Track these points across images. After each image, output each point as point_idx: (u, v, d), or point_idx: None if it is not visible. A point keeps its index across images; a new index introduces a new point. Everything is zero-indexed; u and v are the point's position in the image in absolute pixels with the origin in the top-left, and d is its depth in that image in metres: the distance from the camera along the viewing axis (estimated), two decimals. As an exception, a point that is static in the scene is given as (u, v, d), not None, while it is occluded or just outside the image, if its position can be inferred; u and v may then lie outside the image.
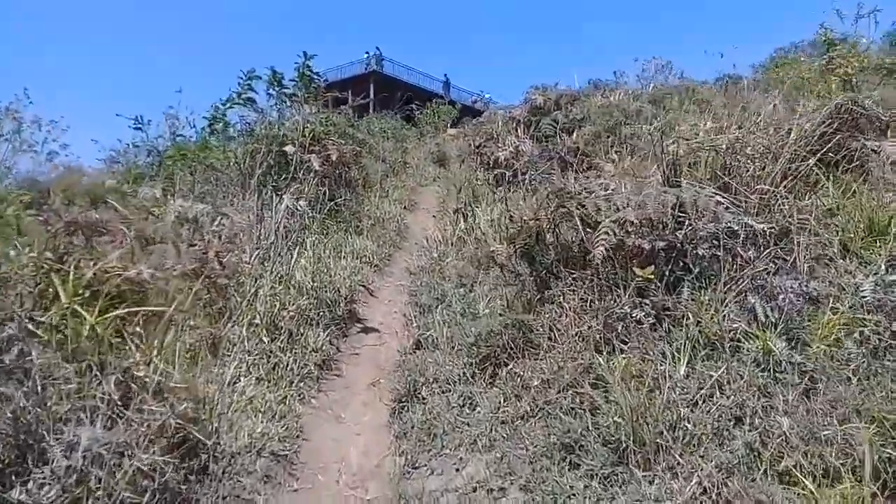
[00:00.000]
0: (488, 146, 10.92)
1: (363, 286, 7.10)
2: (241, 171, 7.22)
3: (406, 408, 4.46)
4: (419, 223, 10.63)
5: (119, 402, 2.99)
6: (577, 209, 4.38)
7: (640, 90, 12.29)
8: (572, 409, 3.65)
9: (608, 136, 8.09)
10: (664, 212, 3.93)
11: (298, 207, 6.95)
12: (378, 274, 7.76)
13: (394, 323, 6.30)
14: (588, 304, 4.14)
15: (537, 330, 4.31)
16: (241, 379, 4.41)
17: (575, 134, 8.82)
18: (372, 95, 30.29)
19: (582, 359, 3.86)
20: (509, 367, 4.22)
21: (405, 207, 11.19)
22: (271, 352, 4.80)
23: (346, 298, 6.31)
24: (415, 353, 5.27)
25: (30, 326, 3.02)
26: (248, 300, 5.09)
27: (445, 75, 36.29)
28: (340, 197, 8.73)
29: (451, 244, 7.58)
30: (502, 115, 12.59)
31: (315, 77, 7.74)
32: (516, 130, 11.10)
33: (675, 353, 3.63)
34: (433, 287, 6.49)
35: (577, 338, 4.01)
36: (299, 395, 4.62)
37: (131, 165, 8.90)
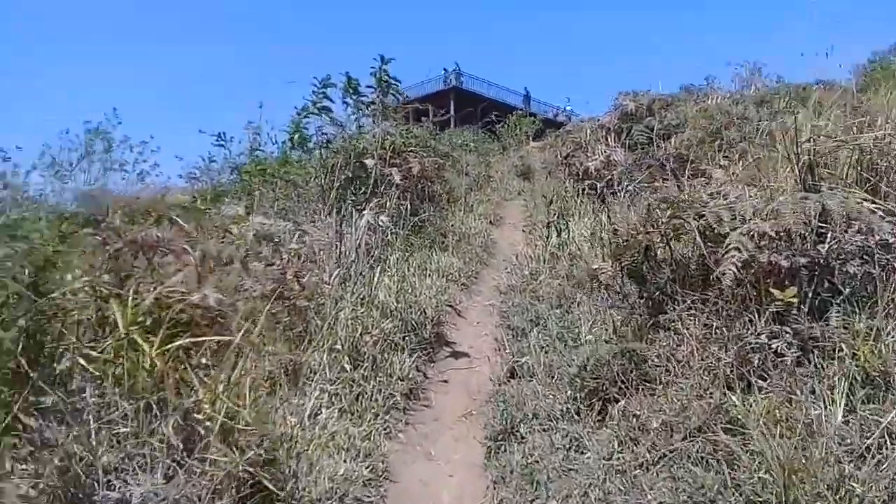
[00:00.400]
0: (577, 156, 10.40)
1: (450, 306, 6.68)
2: (322, 185, 6.95)
3: (503, 447, 3.97)
4: (506, 238, 10.17)
5: (181, 447, 2.65)
6: (695, 220, 3.81)
7: (740, 93, 11.43)
8: (703, 458, 3.08)
9: (712, 141, 7.41)
10: (807, 221, 3.31)
11: (381, 223, 6.61)
12: (465, 293, 7.33)
13: (484, 347, 5.84)
14: (713, 332, 3.56)
15: (652, 360, 3.76)
16: (323, 410, 4.04)
17: (673, 140, 8.16)
18: (452, 111, 30.16)
19: (710, 397, 3.28)
20: (621, 403, 3.68)
21: (491, 222, 10.76)
22: (354, 380, 4.43)
23: (432, 320, 5.91)
24: (509, 382, 4.79)
25: (81, 361, 2.73)
26: (329, 324, 4.74)
27: (526, 88, 35.77)
28: (423, 212, 8.37)
29: (544, 261, 7.07)
30: (590, 124, 11.97)
31: (393, 82, 7.37)
32: (606, 139, 10.50)
33: (828, 393, 3.02)
34: (526, 308, 6.01)
35: (702, 372, 3.44)
36: (385, 430, 4.22)
37: (214, 183, 8.84)
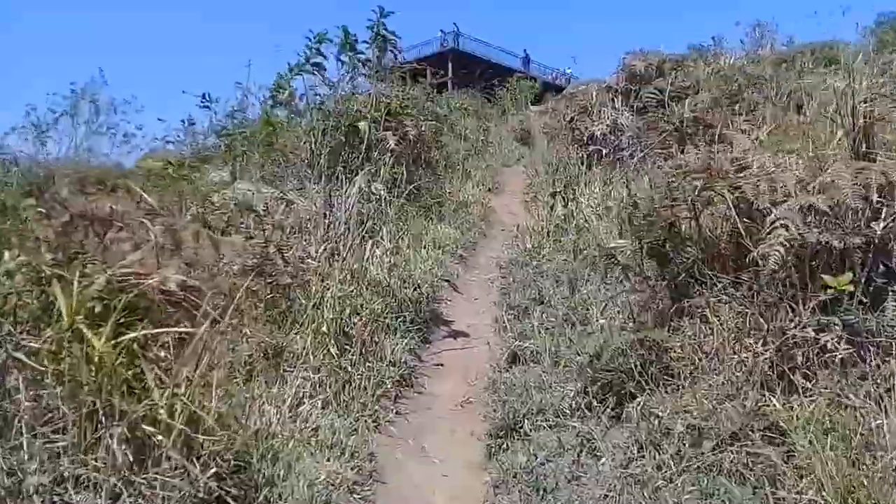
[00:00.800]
0: (582, 120, 9.89)
1: (446, 281, 6.25)
2: (312, 150, 6.45)
3: (504, 445, 3.55)
4: (505, 206, 9.74)
5: (130, 460, 2.22)
6: (730, 193, 3.34)
7: (755, 53, 10.86)
8: (737, 471, 2.67)
9: (730, 104, 6.90)
10: (866, 196, 2.85)
11: (374, 190, 6.13)
12: (462, 265, 6.90)
13: (483, 325, 5.41)
14: (748, 322, 3.12)
15: (675, 352, 3.32)
16: (305, 401, 3.63)
17: (686, 103, 7.63)
18: (450, 74, 29.43)
19: (745, 398, 2.86)
20: (639, 400, 3.25)
21: (489, 189, 10.31)
22: (341, 366, 4.01)
23: (427, 297, 5.48)
24: (510, 368, 4.36)
25: (17, 355, 2.27)
26: (315, 303, 4.30)
27: (525, 51, 34.94)
28: (419, 179, 7.89)
29: (548, 233, 6.62)
30: (595, 86, 11.39)
31: (391, 37, 6.79)
32: (613, 102, 9.97)
33: (887, 397, 2.60)
34: (528, 284, 5.57)
35: (735, 367, 3.01)
36: (374, 421, 3.81)
37: (199, 146, 8.30)
